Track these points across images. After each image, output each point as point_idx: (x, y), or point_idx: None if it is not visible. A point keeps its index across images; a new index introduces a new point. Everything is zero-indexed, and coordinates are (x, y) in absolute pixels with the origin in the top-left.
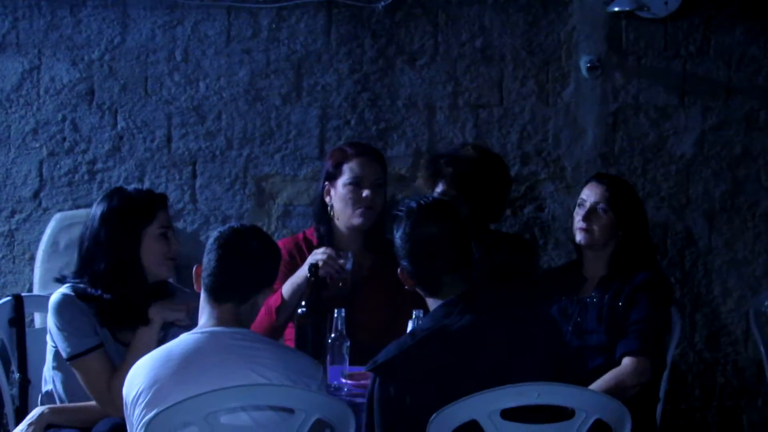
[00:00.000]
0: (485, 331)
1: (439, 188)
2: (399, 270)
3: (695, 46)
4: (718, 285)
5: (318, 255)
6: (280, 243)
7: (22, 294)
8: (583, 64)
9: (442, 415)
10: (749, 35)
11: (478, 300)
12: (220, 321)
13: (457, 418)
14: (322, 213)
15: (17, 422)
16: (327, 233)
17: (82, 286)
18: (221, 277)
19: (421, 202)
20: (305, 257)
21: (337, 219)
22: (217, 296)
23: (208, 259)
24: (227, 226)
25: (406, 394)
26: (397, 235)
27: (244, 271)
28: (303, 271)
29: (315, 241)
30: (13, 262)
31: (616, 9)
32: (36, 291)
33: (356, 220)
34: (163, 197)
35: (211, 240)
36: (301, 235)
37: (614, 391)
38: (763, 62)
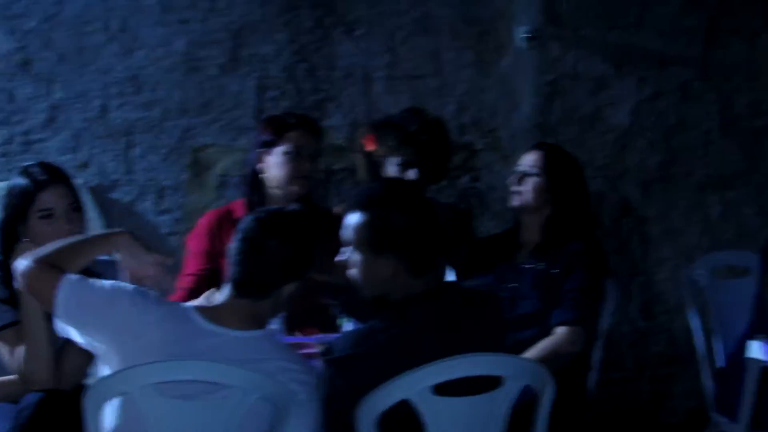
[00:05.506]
0: (426, 342)
1: (398, 159)
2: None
3: (631, 17)
4: (654, 254)
5: None
6: (205, 216)
7: None
8: (520, 34)
9: (372, 399)
10: (685, 6)
11: (424, 303)
12: (238, 317)
13: (387, 400)
14: (255, 181)
15: None
16: (260, 202)
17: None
18: (239, 272)
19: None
20: (224, 231)
21: (272, 188)
22: (236, 289)
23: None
24: (257, 213)
25: (351, 387)
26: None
27: (262, 268)
28: None
29: (240, 213)
30: None
31: None
32: None
33: (294, 188)
34: (44, 181)
35: (240, 224)
36: (224, 209)
37: (548, 359)
38: (697, 33)
